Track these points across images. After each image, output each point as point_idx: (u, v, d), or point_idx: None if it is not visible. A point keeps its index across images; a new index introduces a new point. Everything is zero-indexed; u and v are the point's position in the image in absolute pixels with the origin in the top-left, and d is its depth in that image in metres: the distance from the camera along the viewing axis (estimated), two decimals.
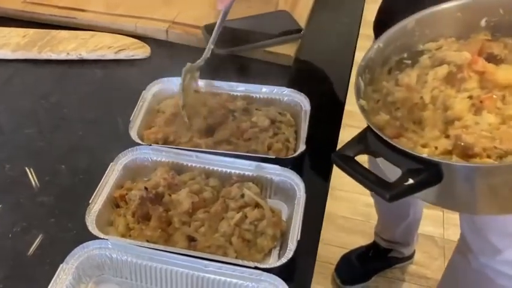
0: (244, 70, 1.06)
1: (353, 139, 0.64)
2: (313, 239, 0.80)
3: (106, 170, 0.83)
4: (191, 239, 0.77)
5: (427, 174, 0.58)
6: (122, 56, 1.09)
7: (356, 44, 1.17)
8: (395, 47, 0.75)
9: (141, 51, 1.10)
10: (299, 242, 0.73)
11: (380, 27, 0.85)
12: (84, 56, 1.09)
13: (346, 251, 1.85)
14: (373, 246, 1.78)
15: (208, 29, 1.10)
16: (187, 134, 0.92)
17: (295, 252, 0.72)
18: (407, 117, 0.68)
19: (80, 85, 1.07)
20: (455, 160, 0.61)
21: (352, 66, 1.10)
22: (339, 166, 0.63)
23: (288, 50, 1.09)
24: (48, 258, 0.76)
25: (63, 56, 1.09)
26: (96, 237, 0.74)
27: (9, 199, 0.85)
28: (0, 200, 0.85)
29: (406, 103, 0.70)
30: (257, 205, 0.81)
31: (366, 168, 0.62)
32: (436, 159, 0.59)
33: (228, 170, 0.86)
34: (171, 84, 1.00)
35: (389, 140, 0.61)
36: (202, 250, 0.75)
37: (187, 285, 0.72)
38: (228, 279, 0.70)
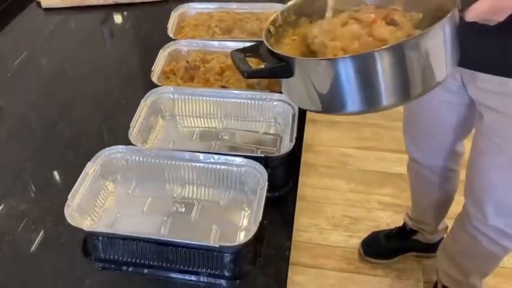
0: None
1: (250, 46, 0.83)
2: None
3: (157, 57, 1.19)
4: (223, 87, 1.11)
5: (278, 65, 0.75)
6: None
7: None
8: (323, 4, 0.86)
9: None
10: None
11: None
12: (119, 1, 1.45)
13: (330, 191, 2.15)
14: (401, 227, 1.85)
15: None
16: (208, 34, 1.28)
17: None
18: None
19: (121, 22, 1.43)
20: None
21: None
22: (232, 57, 0.81)
23: None
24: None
25: (101, 2, 1.44)
26: None
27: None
28: None
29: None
30: None
31: (244, 60, 0.79)
32: (284, 54, 0.75)
33: None
34: (189, 7, 1.39)
35: (268, 45, 0.78)
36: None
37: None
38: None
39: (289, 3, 0.87)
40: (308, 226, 2.01)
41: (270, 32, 0.83)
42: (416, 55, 0.71)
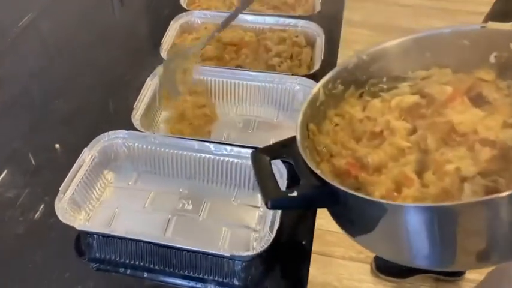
0: None
1: (278, 143, 0.61)
2: None
3: (167, 29, 1.09)
4: (239, 67, 1.01)
5: (315, 190, 0.53)
6: None
7: None
8: (379, 66, 0.64)
9: None
10: None
11: None
12: None
13: None
14: None
15: None
16: (225, 6, 1.17)
17: None
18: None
19: None
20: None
21: None
22: (252, 162, 0.61)
23: None
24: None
25: None
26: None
27: None
28: None
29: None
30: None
31: (270, 173, 0.58)
32: (328, 180, 0.52)
33: (261, 27, 1.10)
34: None
35: (302, 153, 0.56)
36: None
37: None
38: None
39: (335, 69, 0.63)
40: (318, 212, 1.95)
41: (308, 129, 0.61)
42: None
